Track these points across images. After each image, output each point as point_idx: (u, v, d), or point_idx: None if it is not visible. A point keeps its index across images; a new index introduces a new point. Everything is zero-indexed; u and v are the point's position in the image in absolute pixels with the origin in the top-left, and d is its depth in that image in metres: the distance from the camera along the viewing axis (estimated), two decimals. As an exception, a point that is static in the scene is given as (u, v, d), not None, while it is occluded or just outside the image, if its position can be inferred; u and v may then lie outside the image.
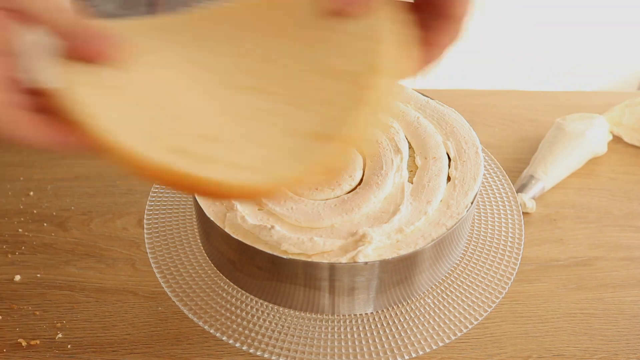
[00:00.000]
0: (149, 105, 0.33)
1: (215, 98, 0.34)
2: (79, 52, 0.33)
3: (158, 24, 0.38)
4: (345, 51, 0.34)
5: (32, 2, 0.33)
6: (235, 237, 0.39)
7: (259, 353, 0.41)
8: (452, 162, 0.45)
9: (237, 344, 0.42)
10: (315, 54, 0.35)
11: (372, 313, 0.44)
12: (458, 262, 0.47)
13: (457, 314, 0.43)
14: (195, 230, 0.49)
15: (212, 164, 0.31)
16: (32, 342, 0.51)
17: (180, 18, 0.38)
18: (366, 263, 0.38)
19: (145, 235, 0.48)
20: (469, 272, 0.46)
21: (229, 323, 0.43)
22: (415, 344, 0.42)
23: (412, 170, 0.45)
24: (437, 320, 0.43)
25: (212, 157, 0.31)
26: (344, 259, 0.38)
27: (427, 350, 0.41)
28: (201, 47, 0.36)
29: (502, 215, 0.51)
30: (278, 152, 0.32)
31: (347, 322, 0.44)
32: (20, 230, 0.62)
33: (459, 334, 0.42)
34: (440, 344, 0.41)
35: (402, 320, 0.43)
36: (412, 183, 0.43)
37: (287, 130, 0.32)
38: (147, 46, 0.35)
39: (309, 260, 0.38)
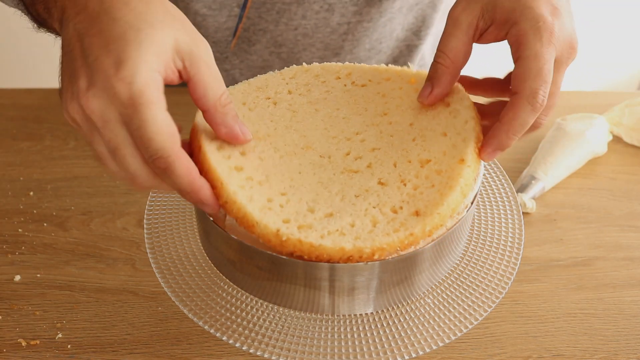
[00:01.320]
0: (277, 185, 0.41)
1: (326, 179, 0.42)
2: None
3: (268, 90, 0.49)
4: (434, 146, 0.43)
5: (192, 63, 0.37)
6: (235, 237, 0.39)
7: (259, 353, 0.41)
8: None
9: (237, 344, 0.42)
10: (410, 145, 0.44)
11: (372, 313, 0.44)
12: (458, 262, 0.47)
13: (457, 314, 0.43)
14: (195, 230, 0.49)
15: (330, 235, 0.38)
16: (32, 342, 0.51)
17: (293, 87, 0.49)
18: (366, 263, 0.38)
19: (145, 235, 0.48)
20: (469, 272, 0.46)
21: (229, 323, 0.43)
22: (415, 344, 0.42)
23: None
24: (437, 320, 0.43)
25: (329, 229, 0.38)
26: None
27: (427, 350, 0.41)
28: (312, 129, 0.46)
29: (502, 215, 0.51)
30: (381, 223, 0.39)
31: (347, 322, 0.44)
32: (20, 230, 0.62)
33: (459, 334, 0.42)
34: (440, 344, 0.41)
35: (402, 320, 0.43)
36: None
37: (385, 205, 0.40)
38: (264, 129, 0.45)
39: (309, 260, 0.38)
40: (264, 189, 0.40)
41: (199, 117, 0.42)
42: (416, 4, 0.79)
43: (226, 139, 0.41)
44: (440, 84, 0.43)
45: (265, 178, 0.41)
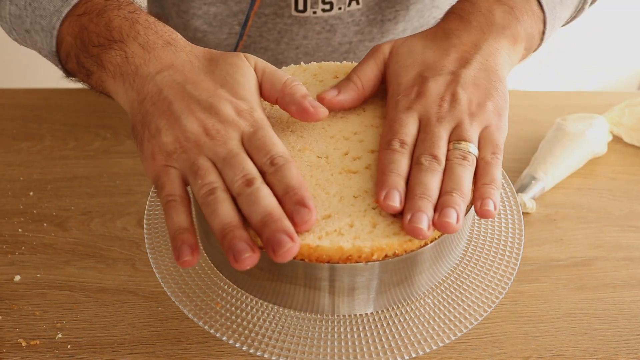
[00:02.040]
0: None
1: (323, 180, 0.42)
2: None
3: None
4: None
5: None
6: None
7: (259, 353, 0.41)
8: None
9: (237, 344, 0.42)
10: None
11: (372, 313, 0.44)
12: (458, 262, 0.47)
13: (457, 314, 0.43)
14: (195, 230, 0.49)
15: (328, 236, 0.38)
16: (32, 342, 0.51)
17: None
18: (366, 263, 0.38)
19: (145, 235, 0.48)
20: (469, 272, 0.46)
21: (229, 323, 0.43)
22: (415, 344, 0.42)
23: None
24: (437, 320, 0.43)
25: (327, 230, 0.38)
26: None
27: (427, 350, 0.41)
28: (310, 129, 0.46)
29: (502, 215, 0.51)
30: (381, 224, 0.39)
31: (347, 323, 0.44)
32: (20, 230, 0.62)
33: (459, 334, 0.42)
34: (440, 344, 0.41)
35: (402, 320, 0.43)
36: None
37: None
38: None
39: (308, 254, 0.38)
40: None
41: None
42: (421, 27, 0.80)
43: (300, 118, 0.43)
44: (346, 97, 0.46)
45: None
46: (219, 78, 0.43)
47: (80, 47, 0.47)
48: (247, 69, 0.44)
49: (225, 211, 0.37)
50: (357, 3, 0.72)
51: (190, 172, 0.39)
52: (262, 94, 0.44)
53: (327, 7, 0.72)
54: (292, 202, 0.37)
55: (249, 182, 0.38)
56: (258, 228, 0.36)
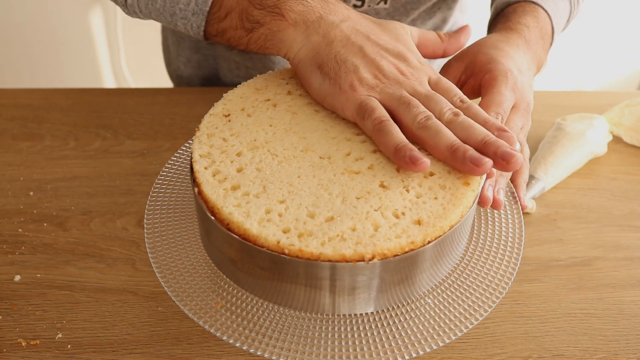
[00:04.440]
0: (275, 193, 0.41)
1: (326, 180, 0.42)
2: None
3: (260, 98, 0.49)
4: (438, 161, 0.43)
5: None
6: (237, 237, 0.39)
7: (259, 353, 0.41)
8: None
9: (237, 344, 0.42)
10: None
11: (372, 313, 0.44)
12: (458, 262, 0.47)
13: (457, 314, 0.43)
14: (196, 230, 0.49)
15: (331, 242, 0.38)
16: (32, 342, 0.51)
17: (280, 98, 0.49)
18: (367, 262, 0.38)
19: (145, 235, 0.48)
20: (469, 272, 0.46)
21: (229, 323, 0.43)
22: (415, 344, 0.42)
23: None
24: (437, 320, 0.43)
25: (330, 235, 0.38)
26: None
27: (427, 350, 0.41)
28: (312, 131, 0.46)
29: (502, 215, 0.51)
30: (383, 227, 0.39)
31: (348, 322, 0.44)
32: (20, 230, 0.62)
33: (459, 334, 0.42)
34: (440, 344, 0.41)
35: (402, 320, 0.43)
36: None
37: (387, 208, 0.40)
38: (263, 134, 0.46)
39: (310, 259, 0.38)
40: (262, 201, 0.40)
41: (196, 148, 0.44)
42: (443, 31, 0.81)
43: (466, 38, 0.54)
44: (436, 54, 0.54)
45: (263, 189, 0.41)
46: (391, 36, 0.49)
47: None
48: (408, 35, 0.50)
49: (448, 132, 0.42)
50: (385, 2, 0.73)
51: (400, 103, 0.44)
52: (423, 52, 0.51)
53: (359, 3, 0.72)
54: (494, 129, 0.43)
55: (456, 114, 0.44)
56: (480, 147, 0.41)
